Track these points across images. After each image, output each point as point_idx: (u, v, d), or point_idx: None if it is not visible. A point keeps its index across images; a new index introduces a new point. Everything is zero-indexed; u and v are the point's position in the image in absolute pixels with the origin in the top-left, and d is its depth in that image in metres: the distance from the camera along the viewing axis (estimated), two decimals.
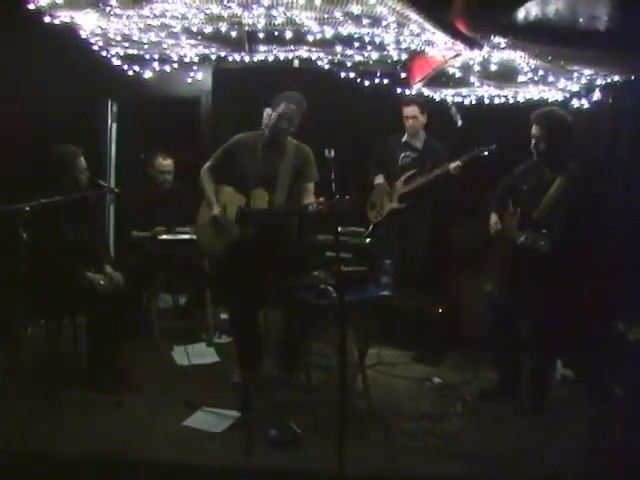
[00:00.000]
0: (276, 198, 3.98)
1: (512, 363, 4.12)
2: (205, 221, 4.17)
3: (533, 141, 3.93)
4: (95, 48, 5.17)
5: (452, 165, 5.00)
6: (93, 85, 5.77)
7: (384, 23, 4.16)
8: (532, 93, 5.53)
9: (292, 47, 5.14)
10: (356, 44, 4.78)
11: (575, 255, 3.82)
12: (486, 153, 4.89)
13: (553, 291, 3.83)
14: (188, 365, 4.60)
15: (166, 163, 5.33)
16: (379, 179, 5.45)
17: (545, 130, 3.87)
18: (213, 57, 5.66)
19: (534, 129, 3.91)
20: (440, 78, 5.31)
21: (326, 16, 4.13)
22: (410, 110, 5.32)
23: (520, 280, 3.95)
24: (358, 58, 5.38)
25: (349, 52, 5.12)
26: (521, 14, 3.58)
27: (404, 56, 5.16)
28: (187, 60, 5.72)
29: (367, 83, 5.86)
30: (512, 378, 4.11)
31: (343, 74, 5.75)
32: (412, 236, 5.24)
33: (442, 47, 4.47)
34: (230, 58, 5.60)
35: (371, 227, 5.38)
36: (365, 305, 3.90)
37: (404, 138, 5.45)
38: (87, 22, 4.48)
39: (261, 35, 4.72)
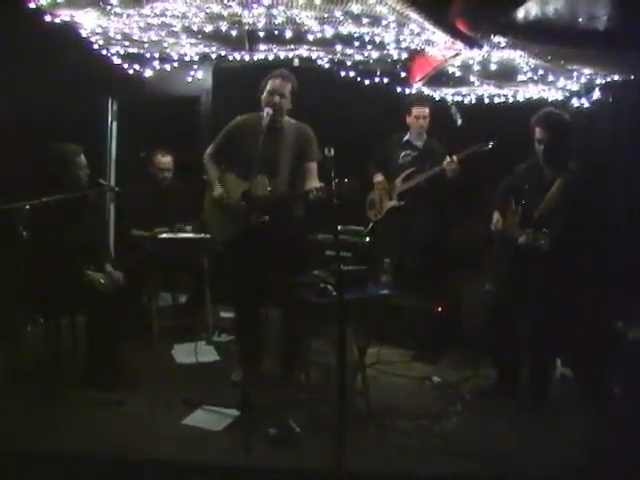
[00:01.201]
0: (277, 184, 3.96)
1: (511, 362, 4.13)
2: (210, 206, 4.17)
3: (537, 144, 3.94)
4: (95, 47, 5.18)
5: (458, 158, 5.01)
6: (93, 84, 5.77)
7: (384, 22, 4.17)
8: (532, 92, 5.54)
9: (292, 46, 5.15)
10: (356, 43, 4.79)
11: (575, 254, 3.83)
12: (486, 149, 4.90)
13: (553, 290, 3.83)
14: (188, 363, 4.60)
15: (165, 160, 5.33)
16: (378, 177, 5.45)
17: (546, 132, 3.89)
18: (213, 56, 5.67)
19: (537, 132, 3.92)
20: (440, 77, 5.33)
21: (326, 15, 4.14)
22: (424, 111, 5.34)
23: (520, 279, 3.96)
24: (358, 57, 5.38)
25: (349, 51, 5.12)
26: (521, 13, 3.59)
27: (404, 55, 5.17)
28: (187, 59, 5.73)
29: (367, 82, 5.87)
30: (511, 377, 4.11)
31: (343, 73, 5.76)
32: (412, 234, 5.25)
33: (442, 46, 4.48)
34: (230, 57, 5.62)
35: (370, 226, 5.38)
36: (365, 304, 3.91)
37: (406, 137, 5.45)
38: (87, 21, 4.49)
39: (261, 34, 4.72)
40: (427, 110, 5.35)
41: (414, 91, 5.83)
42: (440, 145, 5.39)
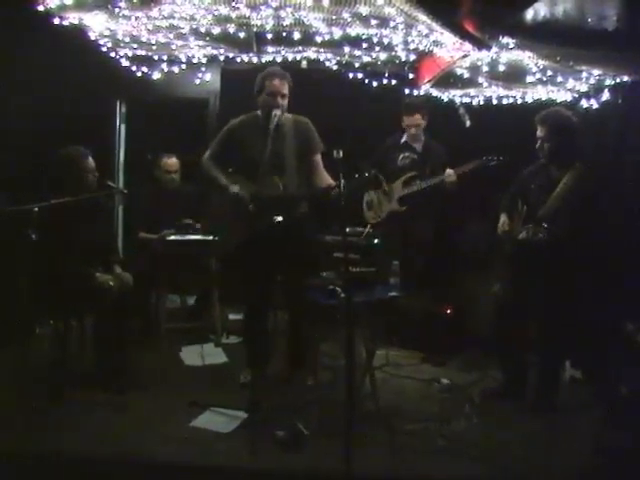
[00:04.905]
0: (287, 182, 3.91)
1: (520, 364, 4.11)
2: (219, 209, 4.12)
3: (538, 142, 3.93)
4: (104, 49, 5.20)
5: (456, 172, 4.94)
6: (102, 86, 5.80)
7: (392, 24, 4.17)
8: (540, 93, 5.52)
9: (300, 48, 5.16)
10: (364, 45, 4.79)
11: (582, 254, 3.81)
12: (493, 163, 4.82)
13: (560, 290, 3.81)
14: (196, 366, 4.61)
15: (171, 162, 5.33)
16: None
17: (549, 130, 3.87)
18: (221, 58, 5.69)
19: (538, 130, 3.92)
20: (448, 79, 5.32)
21: (334, 17, 4.15)
22: (413, 119, 5.22)
23: (525, 278, 3.95)
24: (366, 59, 5.39)
25: (357, 53, 5.13)
26: (529, 14, 3.58)
27: (412, 57, 5.17)
28: (195, 61, 5.76)
29: (375, 84, 5.87)
30: (520, 378, 4.10)
31: (351, 75, 5.76)
32: (413, 238, 5.18)
33: (450, 47, 4.48)
34: (238, 59, 5.63)
35: (368, 228, 5.26)
36: (373, 306, 3.90)
37: (404, 138, 5.37)
38: (96, 23, 4.51)
39: (269, 36, 4.73)
40: (418, 116, 5.21)
41: (422, 92, 5.82)
42: (440, 147, 5.32)
